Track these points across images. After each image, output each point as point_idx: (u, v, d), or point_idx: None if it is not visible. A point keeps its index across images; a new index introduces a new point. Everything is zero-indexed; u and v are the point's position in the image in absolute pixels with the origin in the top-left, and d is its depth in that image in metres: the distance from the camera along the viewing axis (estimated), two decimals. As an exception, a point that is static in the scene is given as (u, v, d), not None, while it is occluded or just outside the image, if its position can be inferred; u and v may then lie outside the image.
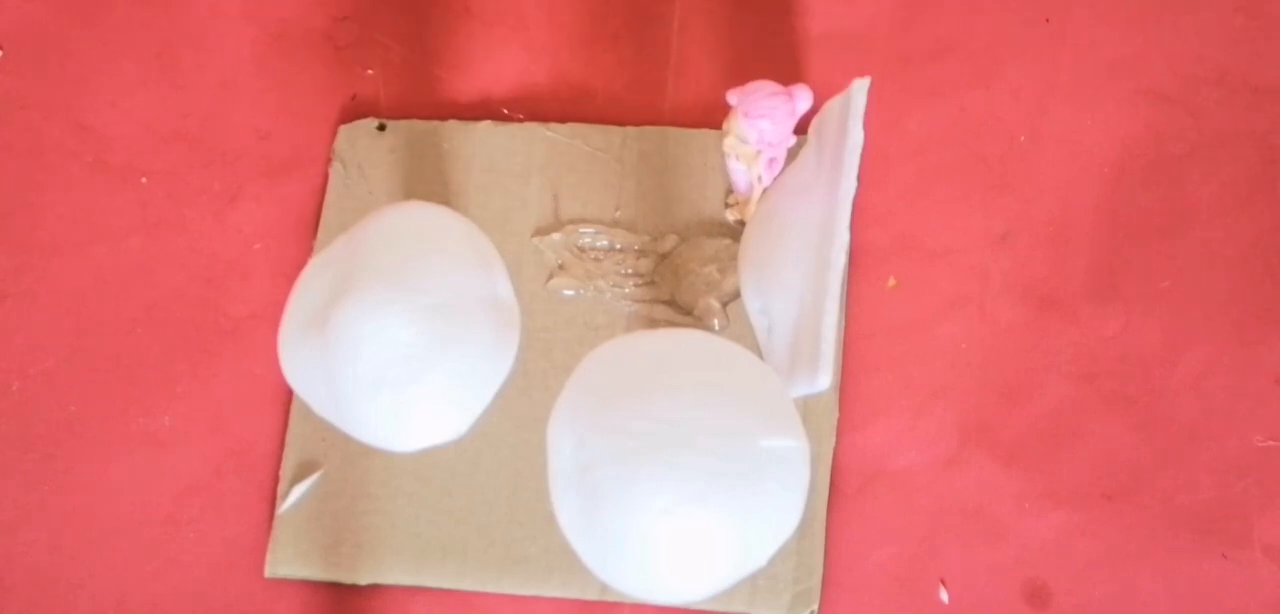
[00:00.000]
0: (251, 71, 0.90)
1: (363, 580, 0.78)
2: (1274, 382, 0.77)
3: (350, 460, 0.79)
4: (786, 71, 0.85)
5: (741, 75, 0.79)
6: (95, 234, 0.86)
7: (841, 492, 0.77)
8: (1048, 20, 0.86)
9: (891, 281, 0.81)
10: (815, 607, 0.75)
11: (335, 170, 0.86)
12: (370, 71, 0.89)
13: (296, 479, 0.79)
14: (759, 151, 0.76)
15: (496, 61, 0.88)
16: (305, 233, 0.85)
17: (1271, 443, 0.76)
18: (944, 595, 0.76)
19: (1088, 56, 0.84)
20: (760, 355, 0.77)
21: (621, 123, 0.85)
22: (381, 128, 0.86)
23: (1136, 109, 0.83)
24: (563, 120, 0.85)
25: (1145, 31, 0.85)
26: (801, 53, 0.86)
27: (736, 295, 0.79)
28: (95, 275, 0.85)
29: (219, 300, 0.84)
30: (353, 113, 0.88)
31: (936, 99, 0.84)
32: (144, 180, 0.88)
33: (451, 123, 0.86)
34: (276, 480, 0.80)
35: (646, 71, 0.87)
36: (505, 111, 0.86)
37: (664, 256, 0.82)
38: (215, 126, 0.89)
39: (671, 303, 0.81)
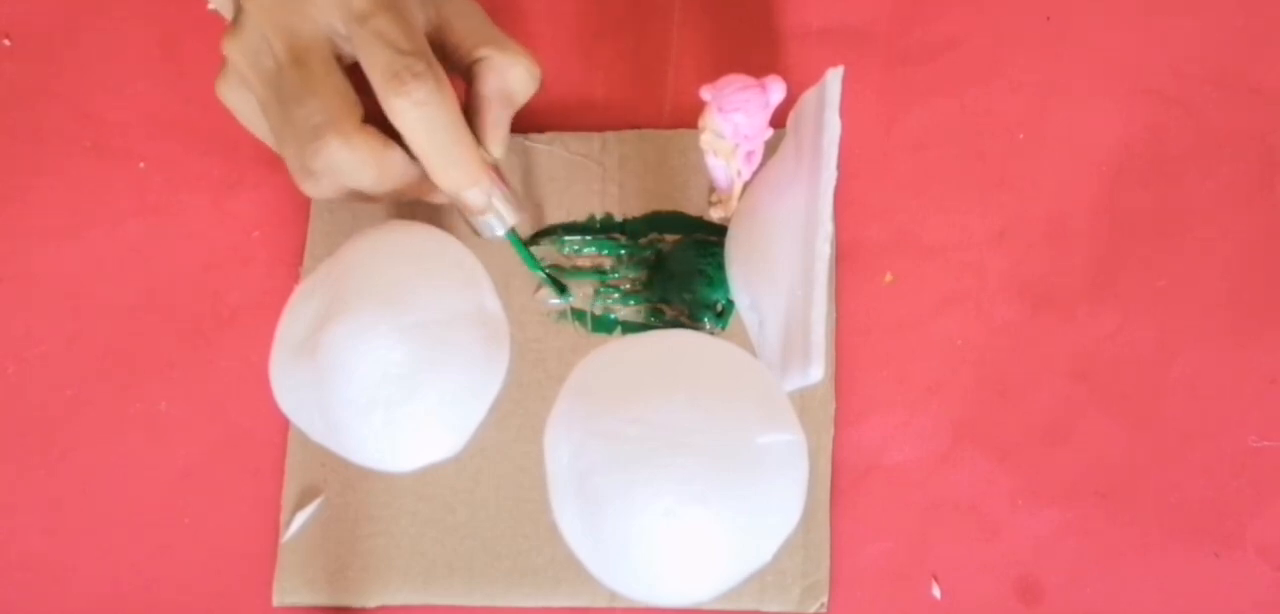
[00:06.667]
0: (252, 59, 0.90)
1: (372, 603, 0.78)
2: (1269, 382, 0.77)
3: (350, 484, 0.79)
4: (787, 69, 0.85)
5: (737, 71, 0.79)
6: (94, 219, 0.87)
7: (836, 486, 0.77)
8: (1048, 18, 0.85)
9: (888, 277, 0.81)
10: (825, 598, 0.75)
11: None
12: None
13: (298, 506, 0.80)
14: (736, 145, 0.76)
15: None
16: (304, 221, 0.85)
17: (1266, 443, 0.76)
18: (936, 591, 0.76)
19: (1088, 55, 0.84)
20: (753, 352, 0.76)
21: (617, 125, 0.85)
22: None
23: (1136, 109, 0.83)
24: (556, 124, 0.85)
25: (1145, 31, 0.84)
26: (801, 49, 0.86)
27: (725, 292, 0.80)
28: (93, 260, 0.86)
29: (217, 287, 0.85)
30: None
31: (936, 95, 0.84)
32: (142, 165, 0.88)
33: None
34: (273, 465, 0.80)
35: (643, 70, 0.87)
36: None
37: (651, 258, 0.82)
38: (215, 114, 0.88)
39: (662, 304, 0.81)
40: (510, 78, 0.74)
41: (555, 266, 0.82)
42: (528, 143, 0.85)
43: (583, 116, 0.86)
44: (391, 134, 0.71)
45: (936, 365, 0.79)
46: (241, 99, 0.75)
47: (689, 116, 0.80)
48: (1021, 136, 0.83)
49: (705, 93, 0.75)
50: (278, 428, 0.81)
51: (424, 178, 0.73)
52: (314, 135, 0.70)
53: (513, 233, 0.77)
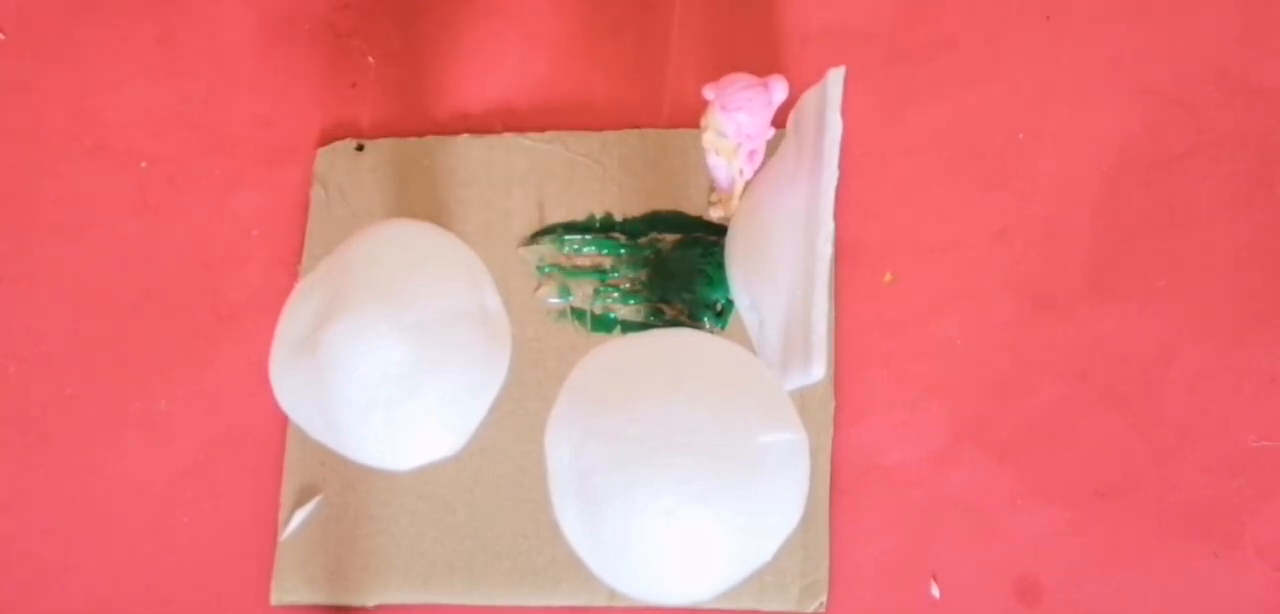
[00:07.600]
0: (252, 58, 0.90)
1: (371, 602, 0.78)
2: (1268, 381, 0.77)
3: (350, 483, 0.79)
4: (787, 68, 0.85)
5: (737, 71, 0.79)
6: (94, 218, 0.87)
7: (835, 486, 0.77)
8: (1048, 18, 0.85)
9: (888, 277, 0.81)
10: (824, 597, 0.75)
11: (316, 193, 0.85)
12: (371, 59, 0.89)
13: (297, 504, 0.80)
14: (738, 145, 0.76)
15: (495, 49, 0.88)
16: (303, 220, 0.85)
17: (1265, 443, 0.76)
18: (935, 591, 0.76)
19: (1087, 54, 0.84)
20: (753, 351, 0.76)
21: (617, 125, 0.85)
22: (360, 148, 0.86)
23: (1135, 108, 0.83)
24: (556, 123, 0.85)
25: (1145, 30, 0.84)
26: (800, 48, 0.86)
27: (727, 293, 0.80)
28: (93, 259, 0.86)
29: (216, 285, 0.85)
30: (353, 100, 0.88)
31: (935, 95, 0.84)
32: (143, 165, 0.88)
33: (430, 139, 0.86)
34: (272, 464, 0.80)
35: (643, 69, 0.87)
36: (499, 126, 0.86)
37: (651, 258, 0.82)
38: (215, 112, 0.89)
39: (662, 304, 0.81)
40: None
41: (555, 266, 0.82)
42: (528, 142, 0.84)
43: (583, 116, 0.86)
44: None
45: (936, 365, 0.79)
46: None
47: (689, 116, 0.80)
48: (1021, 136, 0.83)
49: (708, 92, 0.75)
50: (277, 426, 0.81)
51: None
52: None
53: None
